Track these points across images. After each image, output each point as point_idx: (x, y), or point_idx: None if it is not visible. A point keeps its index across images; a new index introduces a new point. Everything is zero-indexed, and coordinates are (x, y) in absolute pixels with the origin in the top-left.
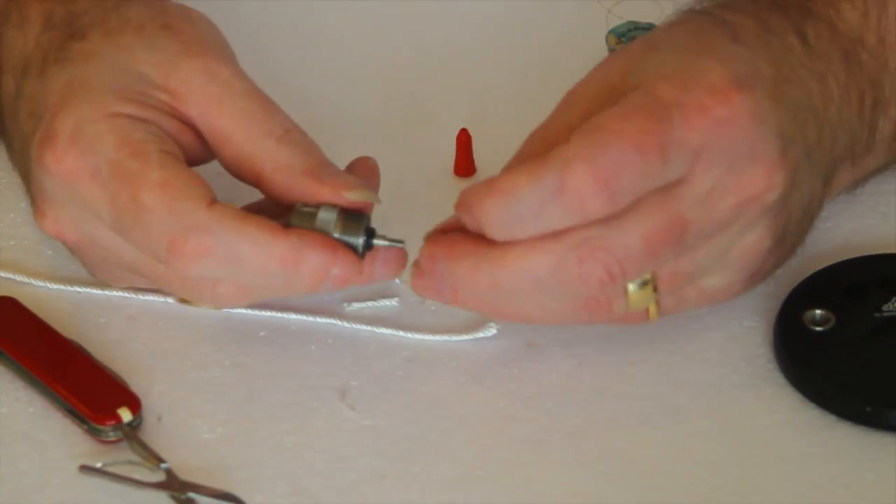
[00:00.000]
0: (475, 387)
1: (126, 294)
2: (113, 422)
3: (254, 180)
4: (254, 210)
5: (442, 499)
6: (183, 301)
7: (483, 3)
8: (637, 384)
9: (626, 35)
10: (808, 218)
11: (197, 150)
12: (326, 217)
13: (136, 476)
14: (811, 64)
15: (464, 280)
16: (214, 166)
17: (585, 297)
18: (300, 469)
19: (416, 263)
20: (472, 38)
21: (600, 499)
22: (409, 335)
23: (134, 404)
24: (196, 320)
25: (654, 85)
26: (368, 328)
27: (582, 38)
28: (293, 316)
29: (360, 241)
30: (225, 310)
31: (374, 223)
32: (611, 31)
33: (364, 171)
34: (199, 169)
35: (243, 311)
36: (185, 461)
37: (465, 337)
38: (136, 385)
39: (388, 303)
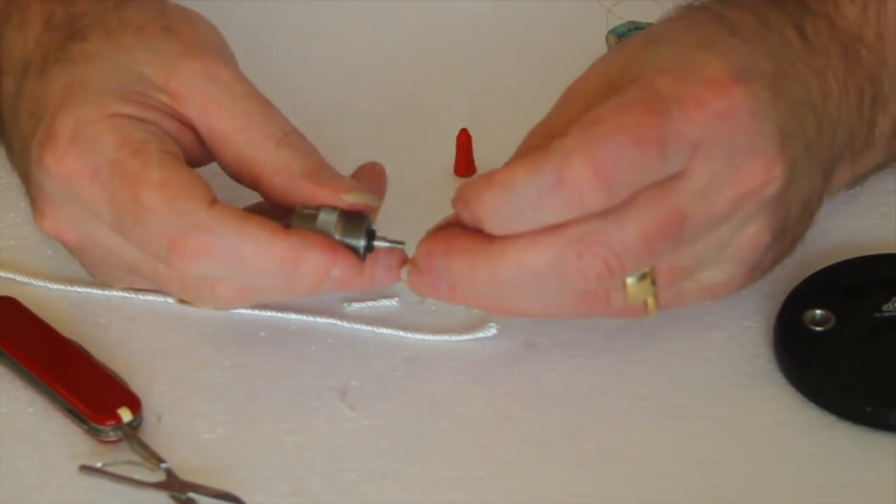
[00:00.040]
0: (475, 387)
1: (126, 294)
2: (113, 422)
3: (253, 183)
4: (254, 212)
5: (442, 499)
6: (183, 301)
7: (483, 3)
8: (637, 384)
9: (626, 35)
10: (807, 213)
11: (196, 152)
12: (327, 219)
13: (136, 476)
14: (810, 59)
15: (462, 276)
16: (214, 167)
17: (584, 291)
18: (300, 469)
19: (413, 261)
20: (472, 38)
21: (600, 499)
22: (409, 335)
23: (134, 404)
24: (196, 320)
25: (653, 78)
26: (368, 328)
27: (582, 38)
28: (293, 316)
29: (361, 242)
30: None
31: (374, 223)
32: (611, 31)
33: (371, 176)
34: (199, 170)
35: (243, 311)
36: (185, 461)
37: (465, 337)
38: (136, 385)
39: (388, 303)
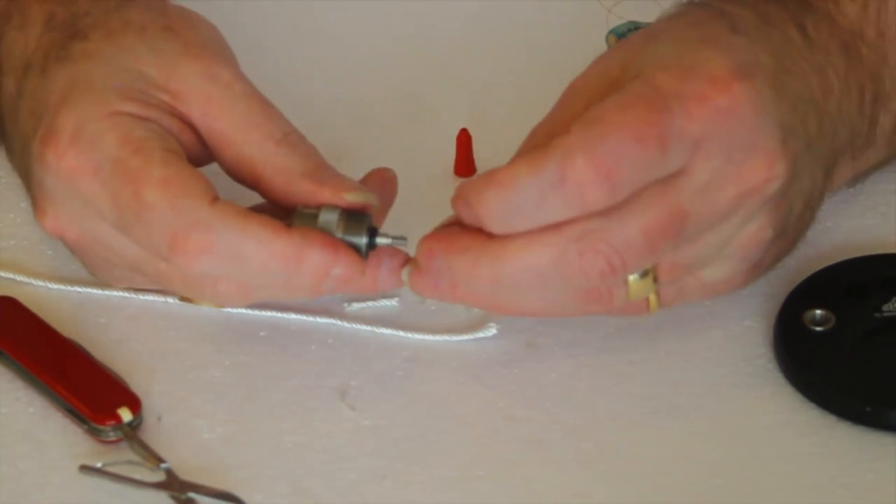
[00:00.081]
0: (475, 387)
1: (126, 294)
2: (113, 422)
3: (253, 183)
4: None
5: (442, 499)
6: (185, 299)
7: (483, 3)
8: (637, 384)
9: (627, 35)
10: (809, 210)
11: (197, 152)
12: (328, 218)
13: (136, 476)
14: (811, 56)
15: (463, 275)
16: (214, 167)
17: (586, 289)
18: (300, 469)
19: (414, 261)
20: (472, 37)
21: (600, 499)
22: (409, 335)
23: (134, 404)
24: (196, 320)
25: (654, 74)
26: (368, 328)
27: (582, 38)
28: (293, 316)
29: (363, 240)
30: (225, 309)
31: (381, 228)
32: (611, 31)
33: (380, 181)
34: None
35: (243, 310)
36: (185, 461)
37: (465, 337)
38: (136, 385)
39: (388, 303)
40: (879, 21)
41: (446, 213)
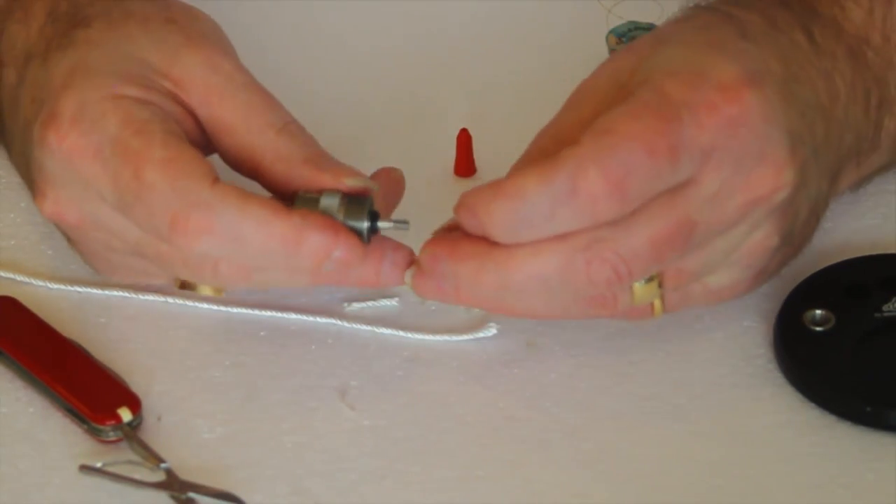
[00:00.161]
0: (475, 387)
1: (126, 294)
2: (113, 421)
3: (253, 171)
4: None
5: (442, 499)
6: (184, 287)
7: (483, 3)
8: (637, 384)
9: (627, 35)
10: (814, 216)
11: (197, 140)
12: (329, 202)
13: (136, 476)
14: (818, 62)
15: (468, 281)
16: (214, 159)
17: (591, 295)
18: (300, 469)
19: (418, 263)
20: (473, 37)
21: (600, 499)
22: (409, 335)
23: (134, 404)
24: (196, 320)
25: (663, 82)
26: (368, 328)
27: (582, 38)
28: (293, 316)
29: (364, 224)
30: (225, 309)
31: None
32: (611, 31)
33: (387, 180)
34: None
35: (243, 310)
36: (185, 461)
37: (465, 337)
38: (136, 385)
39: (388, 303)
40: (885, 26)
41: (446, 213)
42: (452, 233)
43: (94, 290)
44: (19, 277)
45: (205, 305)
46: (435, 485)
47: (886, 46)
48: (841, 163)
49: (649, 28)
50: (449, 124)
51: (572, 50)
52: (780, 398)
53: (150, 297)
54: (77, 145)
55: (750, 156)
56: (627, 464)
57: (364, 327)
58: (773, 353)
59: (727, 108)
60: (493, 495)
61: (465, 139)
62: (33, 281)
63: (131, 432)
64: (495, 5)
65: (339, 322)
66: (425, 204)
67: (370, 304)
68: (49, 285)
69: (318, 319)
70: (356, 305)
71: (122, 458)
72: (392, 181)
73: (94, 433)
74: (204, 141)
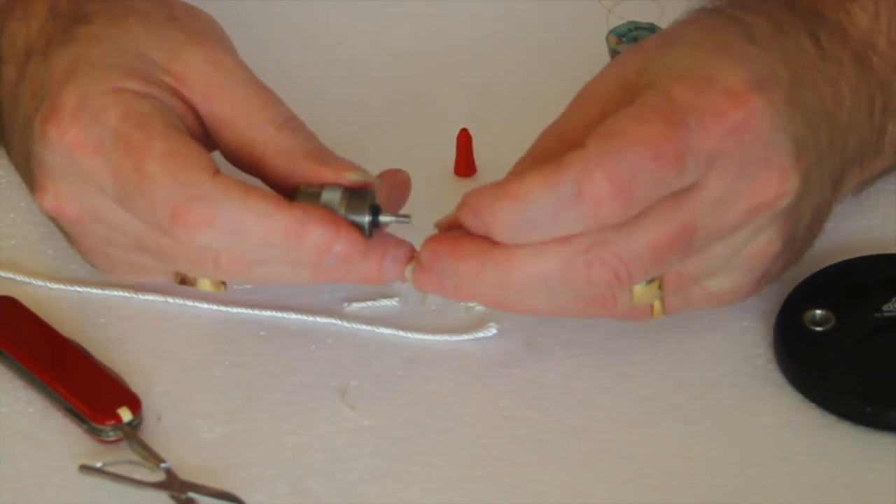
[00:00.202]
0: (475, 387)
1: (126, 294)
2: (113, 421)
3: (253, 167)
4: None
5: (442, 499)
6: (184, 282)
7: (483, 3)
8: (637, 384)
9: (627, 35)
10: (817, 222)
11: (197, 135)
12: (331, 197)
13: (136, 476)
14: (824, 67)
15: (468, 278)
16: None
17: (591, 295)
18: (300, 469)
19: (418, 259)
20: (473, 37)
21: (600, 499)
22: (409, 335)
23: (134, 404)
24: (196, 320)
25: (670, 85)
26: (368, 328)
27: (582, 38)
28: (293, 316)
29: (365, 219)
30: (225, 309)
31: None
32: (611, 31)
33: (393, 182)
34: None
35: (243, 310)
36: (185, 461)
37: (465, 337)
38: (136, 385)
39: (388, 303)
40: (890, 31)
41: (446, 213)
42: (453, 231)
43: (94, 290)
44: (19, 277)
45: (205, 305)
46: (435, 485)
47: (892, 51)
48: (844, 168)
49: (649, 28)
50: (449, 124)
51: (572, 50)
52: (780, 398)
53: (150, 297)
54: (78, 139)
55: (755, 162)
56: (627, 464)
57: (364, 327)
58: (773, 353)
59: (734, 113)
60: (493, 495)
61: (465, 139)
62: (33, 281)
63: (131, 432)
64: (495, 5)
65: (339, 322)
66: (425, 204)
67: (370, 304)
68: (49, 285)
69: (318, 319)
70: (356, 305)
71: (122, 458)
72: (398, 182)
73: (94, 433)
74: (204, 137)
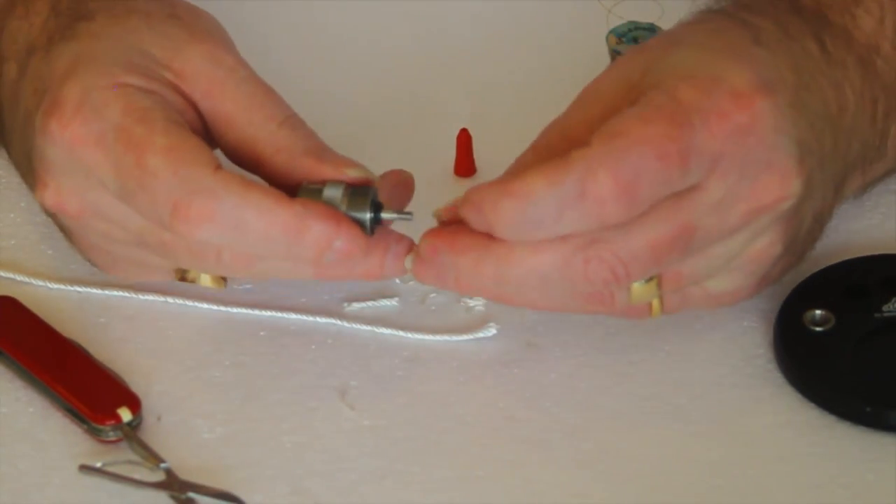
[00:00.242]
0: (475, 387)
1: (126, 294)
2: (113, 421)
3: (254, 164)
4: None
5: (442, 499)
6: (183, 279)
7: (483, 3)
8: (637, 384)
9: (627, 35)
10: (818, 225)
11: (198, 132)
12: (332, 193)
13: (136, 476)
14: (829, 71)
15: (467, 272)
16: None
17: (589, 292)
18: (300, 469)
19: (417, 251)
20: (473, 38)
21: (600, 499)
22: (409, 335)
23: (134, 404)
24: (196, 320)
25: (676, 86)
26: (368, 328)
27: (582, 38)
28: (293, 316)
29: (367, 215)
30: (225, 309)
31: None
32: (611, 32)
33: (395, 182)
34: None
35: (243, 310)
36: (185, 461)
37: (465, 337)
38: (136, 385)
39: (388, 303)
40: (895, 35)
41: None
42: (452, 225)
43: (94, 290)
44: (19, 277)
45: (205, 305)
46: (435, 485)
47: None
48: (846, 172)
49: (649, 28)
50: (449, 124)
51: (572, 50)
52: (779, 398)
53: (150, 297)
54: (79, 133)
55: (757, 164)
56: (627, 464)
57: (364, 327)
58: (772, 353)
59: (738, 115)
60: (493, 495)
61: (465, 139)
62: (33, 281)
63: (131, 432)
64: (495, 5)
65: (339, 322)
66: (425, 204)
67: (370, 304)
68: (49, 285)
69: (318, 319)
70: (356, 305)
71: (121, 457)
72: (401, 182)
73: (94, 433)
74: (205, 134)
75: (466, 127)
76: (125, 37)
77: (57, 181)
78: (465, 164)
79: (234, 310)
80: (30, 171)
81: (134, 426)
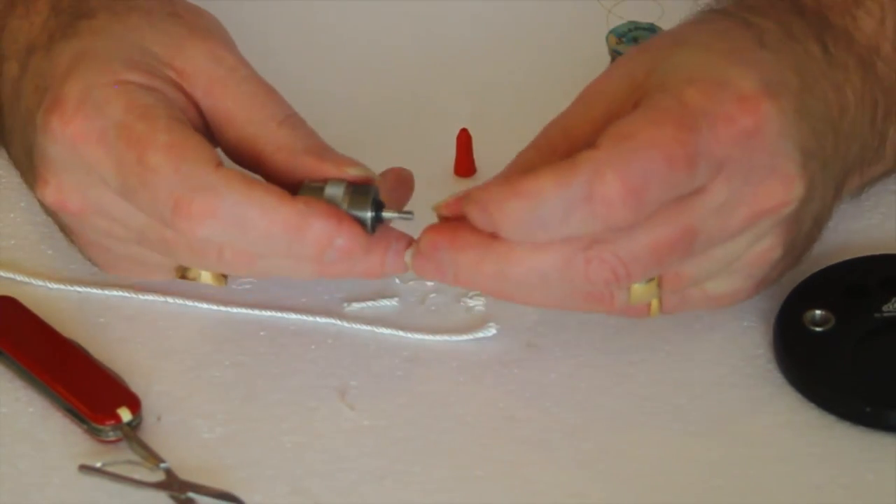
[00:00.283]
0: (475, 387)
1: (126, 294)
2: (113, 421)
3: (254, 163)
4: None
5: (442, 499)
6: (184, 277)
7: (484, 3)
8: (637, 384)
9: (627, 35)
10: (817, 227)
11: (199, 130)
12: (334, 191)
13: (136, 476)
14: (831, 73)
15: (467, 269)
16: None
17: (589, 291)
18: (300, 469)
19: (417, 246)
20: (473, 38)
21: (600, 499)
22: (409, 335)
23: (133, 404)
24: (196, 320)
25: (682, 88)
26: (368, 328)
27: (582, 38)
28: (293, 316)
29: (368, 214)
30: (225, 309)
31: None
32: (611, 32)
33: (396, 180)
34: None
35: (243, 310)
36: (185, 461)
37: (464, 337)
38: (136, 385)
39: (388, 303)
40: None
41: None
42: (452, 222)
43: (94, 290)
44: (19, 277)
45: (205, 305)
46: (435, 485)
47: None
48: (846, 173)
49: (649, 28)
50: (449, 124)
51: (572, 50)
52: (779, 398)
53: (150, 297)
54: (81, 130)
55: (761, 168)
56: (627, 464)
57: (364, 327)
58: (772, 353)
59: (744, 119)
60: (493, 495)
61: (465, 139)
62: (33, 281)
63: (131, 432)
64: (495, 5)
65: (339, 322)
66: (426, 204)
67: (370, 304)
68: (49, 285)
69: (318, 319)
70: (356, 305)
71: (121, 457)
72: (401, 180)
73: (94, 433)
74: (206, 132)
75: (466, 127)
76: (126, 34)
77: (58, 178)
78: (465, 164)
79: (234, 310)
80: (30, 168)
81: (134, 426)
